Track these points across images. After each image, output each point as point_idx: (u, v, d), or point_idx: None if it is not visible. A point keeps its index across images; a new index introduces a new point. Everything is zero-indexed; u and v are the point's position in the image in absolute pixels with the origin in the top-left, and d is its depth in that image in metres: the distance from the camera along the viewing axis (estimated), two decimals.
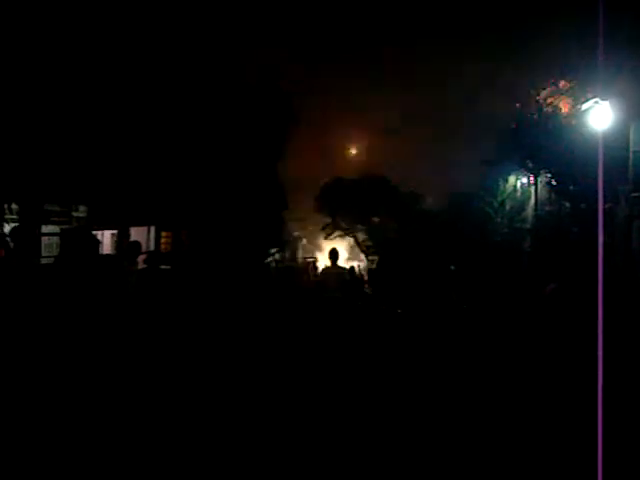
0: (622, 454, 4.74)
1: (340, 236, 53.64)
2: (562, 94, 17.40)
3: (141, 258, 9.62)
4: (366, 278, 29.99)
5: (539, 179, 19.77)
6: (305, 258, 55.19)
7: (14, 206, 13.03)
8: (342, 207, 51.33)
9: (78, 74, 12.68)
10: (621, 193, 14.98)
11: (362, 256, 52.88)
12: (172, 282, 12.87)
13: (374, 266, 36.19)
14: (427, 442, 5.46)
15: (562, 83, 17.55)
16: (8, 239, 7.38)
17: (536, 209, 20.00)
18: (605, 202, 14.22)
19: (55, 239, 13.85)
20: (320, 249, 64.10)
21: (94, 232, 13.84)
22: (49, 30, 11.93)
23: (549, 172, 18.61)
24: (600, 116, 12.71)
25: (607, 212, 14.51)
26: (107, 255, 15.80)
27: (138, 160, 15.29)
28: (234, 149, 20.95)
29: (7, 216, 12.97)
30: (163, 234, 20.02)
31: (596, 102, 13.22)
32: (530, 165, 19.91)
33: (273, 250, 29.30)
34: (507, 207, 22.24)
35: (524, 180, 21.97)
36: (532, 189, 20.51)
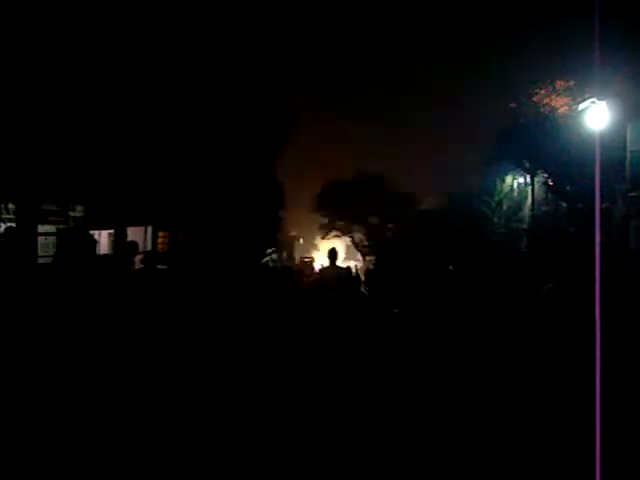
0: (620, 452, 4.75)
1: (337, 236, 53.70)
2: (559, 94, 17.43)
3: (138, 258, 9.61)
4: (363, 278, 29.98)
5: (536, 179, 19.80)
6: (302, 258, 55.24)
7: (11, 206, 13.00)
8: (339, 207, 51.40)
9: (75, 74, 12.66)
10: (618, 193, 15.01)
11: (359, 256, 52.94)
12: (169, 282, 12.85)
13: (371, 266, 36.23)
14: (426, 441, 5.46)
15: (559, 83, 17.58)
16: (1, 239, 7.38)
17: (533, 209, 20.03)
18: (602, 202, 14.24)
19: (52, 239, 13.83)
20: (317, 249, 64.16)
21: (91, 232, 13.84)
22: (48, 30, 11.90)
23: (546, 172, 18.64)
24: (597, 116, 12.73)
25: (604, 212, 14.53)
26: (104, 255, 15.78)
27: (135, 160, 15.26)
28: (231, 149, 20.93)
29: (4, 216, 12.94)
30: (160, 234, 20.01)
31: (593, 102, 13.24)
32: (527, 165, 19.94)
33: (270, 250, 29.32)
34: (504, 207, 22.26)
35: (521, 180, 21.99)
36: (529, 189, 20.54)
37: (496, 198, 22.40)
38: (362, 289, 18.51)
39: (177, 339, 9.42)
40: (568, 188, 17.16)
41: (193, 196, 18.90)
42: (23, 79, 11.62)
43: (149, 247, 18.87)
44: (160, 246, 19.93)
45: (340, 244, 44.37)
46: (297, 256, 59.27)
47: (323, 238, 55.60)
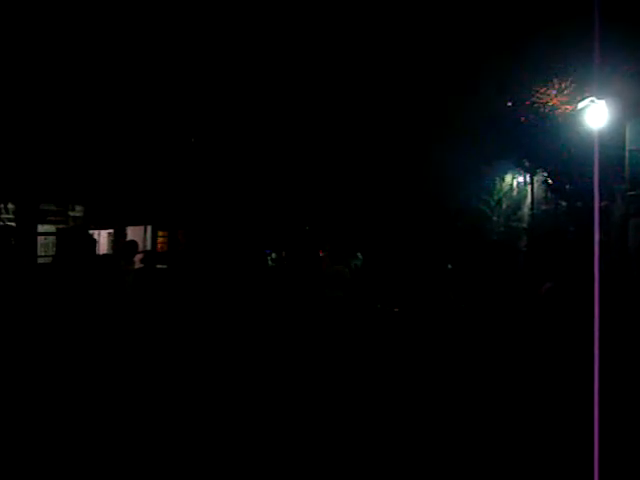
0: (619, 452, 4.76)
1: None
2: (559, 93, 17.41)
3: (138, 257, 9.62)
4: (362, 277, 29.92)
5: (535, 178, 19.79)
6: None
7: (10, 205, 13.01)
8: None
9: (75, 74, 12.65)
10: (617, 192, 15.01)
11: (359, 255, 52.89)
12: (168, 281, 12.86)
13: (370, 265, 36.14)
14: (426, 441, 5.47)
15: (558, 82, 17.56)
16: None
17: (533, 208, 20.03)
18: (601, 200, 14.24)
19: (52, 239, 13.84)
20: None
21: (90, 232, 13.86)
22: (48, 30, 11.90)
23: (545, 171, 18.62)
24: (596, 115, 12.73)
25: (603, 210, 14.53)
26: (104, 255, 15.79)
27: (134, 160, 15.26)
28: (230, 149, 20.92)
29: (3, 215, 12.94)
30: (159, 233, 20.01)
31: (592, 101, 13.24)
32: (527, 164, 19.92)
33: (269, 250, 29.25)
34: (504, 206, 22.24)
35: (520, 179, 21.99)
36: (528, 188, 20.54)
37: (495, 197, 22.39)
38: (362, 288, 18.50)
39: (177, 338, 9.42)
40: (568, 187, 17.15)
41: (192, 196, 18.90)
42: (23, 80, 11.62)
43: (149, 247, 18.87)
44: (160, 245, 19.93)
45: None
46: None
47: None
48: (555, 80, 17.39)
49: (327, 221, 24.36)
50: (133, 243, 9.43)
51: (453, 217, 23.25)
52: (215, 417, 6.01)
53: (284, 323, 12.22)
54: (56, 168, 12.54)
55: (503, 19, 17.28)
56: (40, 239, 13.56)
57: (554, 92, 17.35)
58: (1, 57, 11.25)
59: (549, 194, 19.13)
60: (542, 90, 17.89)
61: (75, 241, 10.67)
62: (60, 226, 14.63)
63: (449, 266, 20.71)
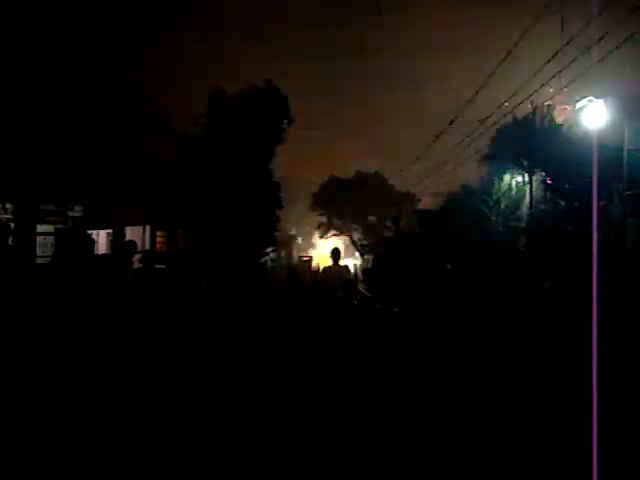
0: (617, 450, 4.77)
1: (335, 235, 53.74)
2: (557, 93, 17.44)
3: (137, 257, 9.62)
4: (361, 277, 29.98)
5: (534, 177, 19.80)
6: (300, 257, 55.27)
7: (9, 205, 12.99)
8: (338, 206, 51.42)
9: (74, 74, 12.65)
10: (615, 191, 15.02)
11: (357, 255, 52.94)
12: (167, 281, 12.86)
13: (370, 265, 36.22)
14: (425, 440, 5.48)
15: (557, 81, 17.59)
16: None
17: (531, 207, 20.04)
18: (599, 200, 14.26)
19: (50, 239, 13.83)
20: (314, 247, 64.17)
21: (89, 232, 13.85)
22: (47, 29, 11.89)
23: (544, 170, 18.65)
24: (594, 115, 12.77)
25: (601, 210, 14.56)
26: (103, 255, 15.79)
27: (133, 160, 15.27)
28: (228, 149, 20.93)
29: (1, 216, 12.93)
30: (158, 233, 20.01)
31: (590, 101, 13.27)
32: (525, 163, 19.95)
33: (269, 249, 29.31)
34: (502, 206, 22.24)
35: (519, 179, 21.99)
36: (527, 187, 20.54)
37: (494, 197, 22.39)
38: (361, 288, 18.51)
39: (176, 338, 9.43)
40: (566, 186, 17.17)
41: (191, 196, 18.92)
42: (22, 80, 11.62)
43: (147, 247, 18.87)
44: (158, 245, 19.93)
45: (338, 243, 44.41)
46: (296, 255, 59.31)
47: (321, 237, 55.67)
48: (554, 80, 17.41)
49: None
50: (132, 243, 9.43)
51: (452, 217, 23.29)
52: (215, 415, 6.02)
53: (283, 322, 12.25)
54: (55, 168, 12.53)
55: (502, 17, 17.30)
56: (39, 239, 13.55)
57: (553, 92, 17.38)
58: (1, 58, 11.25)
59: (548, 194, 19.14)
60: (541, 90, 17.92)
61: (74, 241, 10.67)
62: (59, 226, 14.61)
63: (448, 266, 20.75)
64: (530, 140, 18.41)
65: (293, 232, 64.10)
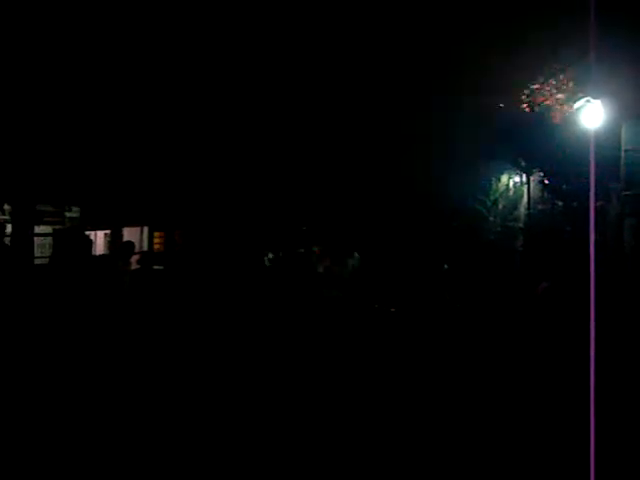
0: (614, 451, 4.77)
1: None
2: (555, 93, 17.45)
3: (134, 258, 9.62)
4: (359, 277, 29.89)
5: (532, 178, 19.81)
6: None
7: (7, 207, 12.98)
8: None
9: (71, 75, 12.63)
10: (613, 191, 15.03)
11: (355, 254, 52.91)
12: (165, 282, 12.84)
13: (367, 264, 36.14)
14: (425, 441, 5.48)
15: (555, 81, 17.60)
16: None
17: (529, 208, 20.04)
18: (597, 200, 14.27)
19: (48, 239, 13.82)
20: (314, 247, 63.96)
21: (87, 232, 13.83)
22: (45, 30, 11.88)
23: (542, 171, 18.66)
24: (592, 115, 12.75)
25: (599, 210, 14.57)
26: (101, 256, 15.77)
27: (131, 160, 15.24)
28: (227, 148, 20.90)
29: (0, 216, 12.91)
30: (156, 234, 19.98)
31: (588, 101, 13.27)
32: (523, 164, 19.95)
33: (267, 249, 29.22)
34: (500, 206, 22.25)
35: (517, 179, 22.00)
36: (525, 188, 20.55)
37: (492, 197, 22.39)
38: (359, 288, 18.49)
39: (174, 339, 9.42)
40: (564, 187, 17.18)
41: (189, 196, 18.89)
42: (19, 80, 11.60)
43: (145, 247, 18.85)
44: (156, 246, 19.91)
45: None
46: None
47: None
48: (551, 80, 17.43)
49: (324, 221, 24.36)
50: (130, 244, 9.43)
51: (449, 217, 23.27)
52: (213, 417, 6.01)
53: (281, 323, 12.23)
54: (52, 169, 12.52)
55: (498, 18, 17.31)
56: (37, 240, 13.53)
57: (550, 92, 17.40)
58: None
59: (545, 194, 19.15)
60: (538, 90, 17.94)
61: (71, 242, 10.66)
62: (57, 227, 14.60)
63: (445, 266, 20.72)
64: (528, 140, 18.42)
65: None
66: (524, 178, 20.68)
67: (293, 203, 23.31)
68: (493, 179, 22.67)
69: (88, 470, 4.62)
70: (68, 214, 15.82)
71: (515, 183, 22.27)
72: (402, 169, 23.00)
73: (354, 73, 20.01)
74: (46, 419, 5.62)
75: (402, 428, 5.74)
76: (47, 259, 12.45)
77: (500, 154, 20.84)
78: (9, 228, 11.58)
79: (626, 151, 14.74)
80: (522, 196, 21.07)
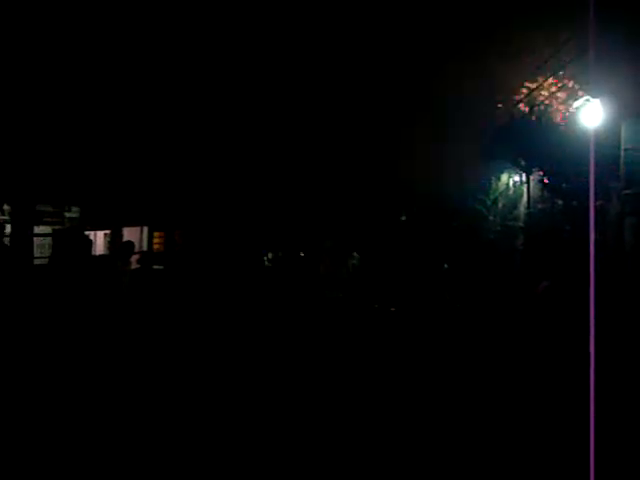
0: (614, 450, 4.77)
1: None
2: (554, 92, 17.44)
3: (134, 258, 9.61)
4: (358, 276, 29.91)
5: (531, 177, 19.81)
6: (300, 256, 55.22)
7: (6, 206, 12.98)
8: None
9: (71, 75, 12.63)
10: (613, 190, 15.02)
11: (355, 254, 52.95)
12: (165, 282, 12.84)
13: (367, 264, 36.16)
14: (425, 440, 5.47)
15: (554, 81, 17.60)
16: None
17: (529, 207, 20.04)
18: (597, 199, 14.26)
19: (48, 240, 13.83)
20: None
21: (87, 232, 13.83)
22: (46, 31, 11.87)
23: (541, 170, 18.66)
24: (591, 114, 12.74)
25: (599, 209, 14.57)
26: (101, 256, 15.77)
27: (131, 160, 15.24)
28: (226, 148, 20.89)
29: None
30: (156, 234, 19.99)
31: (587, 100, 13.26)
32: (522, 163, 19.95)
33: (266, 249, 29.24)
34: (500, 205, 22.25)
35: (517, 178, 22.00)
36: (525, 187, 20.54)
37: (492, 196, 22.40)
38: (359, 287, 18.48)
39: (174, 339, 9.41)
40: (564, 186, 17.18)
41: (189, 196, 18.88)
42: (19, 80, 11.59)
43: (145, 247, 18.85)
44: (156, 246, 19.91)
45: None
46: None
47: None
48: (551, 78, 17.43)
49: (323, 221, 24.33)
50: (130, 244, 9.43)
51: (449, 217, 23.28)
52: (213, 416, 6.01)
53: (281, 323, 12.23)
54: (52, 169, 12.51)
55: (498, 18, 17.30)
56: (37, 240, 13.54)
57: (549, 90, 17.40)
58: None
59: (545, 193, 19.15)
60: (537, 89, 17.93)
61: (71, 242, 10.66)
62: (56, 227, 14.61)
63: (445, 266, 20.72)
64: (528, 139, 18.41)
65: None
66: (524, 177, 20.68)
67: (293, 203, 23.30)
68: (493, 178, 22.67)
69: (88, 469, 4.61)
70: (68, 214, 15.82)
71: (515, 182, 22.27)
72: (401, 168, 22.98)
73: (353, 74, 20.02)
74: (46, 419, 5.62)
75: (401, 426, 5.74)
76: (47, 259, 12.45)
77: (500, 153, 20.83)
78: (9, 228, 11.57)
79: (626, 150, 14.73)
80: (522, 195, 21.07)
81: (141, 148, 15.61)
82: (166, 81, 15.97)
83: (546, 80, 17.64)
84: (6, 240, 10.64)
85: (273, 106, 21.48)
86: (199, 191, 19.31)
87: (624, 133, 14.94)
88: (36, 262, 12.62)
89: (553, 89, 17.37)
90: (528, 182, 20.01)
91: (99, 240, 17.66)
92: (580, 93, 15.17)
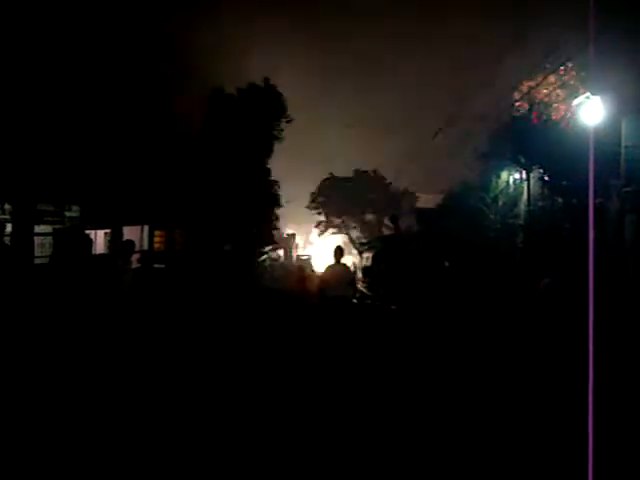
0: (613, 449, 4.78)
1: (333, 233, 53.75)
2: (554, 89, 17.46)
3: (135, 257, 9.61)
4: (360, 275, 29.99)
5: (531, 175, 19.83)
6: (299, 256, 55.27)
7: (7, 206, 12.99)
8: (336, 204, 51.44)
9: (72, 76, 12.64)
10: (613, 188, 15.04)
11: (355, 253, 52.97)
12: (166, 281, 12.85)
13: (368, 263, 36.22)
14: (425, 438, 5.48)
15: (554, 78, 17.61)
16: None
17: (529, 205, 20.06)
18: (597, 197, 14.28)
19: (48, 239, 13.85)
20: (314, 246, 64.14)
21: (87, 231, 13.85)
22: (47, 31, 11.88)
23: (542, 168, 18.67)
24: (591, 111, 12.76)
25: (599, 207, 14.58)
26: (101, 255, 15.79)
27: (131, 160, 15.26)
28: (226, 148, 20.92)
29: (0, 216, 12.93)
30: (156, 233, 20.01)
31: (587, 97, 13.26)
32: (522, 161, 19.97)
33: (268, 248, 29.31)
34: (500, 203, 22.27)
35: (517, 176, 22.03)
36: (525, 185, 20.57)
37: (492, 194, 22.42)
38: (360, 286, 18.48)
39: (175, 337, 9.43)
40: (563, 183, 17.18)
41: (189, 195, 18.90)
42: (20, 81, 11.60)
43: (146, 246, 18.87)
44: (157, 245, 19.94)
45: (337, 241, 44.41)
46: (294, 254, 59.32)
47: (320, 235, 55.71)
48: (551, 76, 17.44)
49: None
50: (130, 243, 9.42)
51: (448, 216, 23.32)
52: (213, 414, 6.02)
53: (283, 321, 12.25)
54: (52, 169, 12.52)
55: (500, 13, 17.31)
56: (37, 239, 13.55)
57: (549, 88, 17.41)
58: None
59: (545, 191, 19.17)
60: (537, 85, 17.94)
61: (72, 241, 10.67)
62: (57, 226, 14.62)
63: (446, 264, 20.74)
64: (527, 137, 18.43)
65: (291, 231, 64.11)
66: (524, 175, 20.70)
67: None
68: (493, 176, 22.70)
69: (88, 468, 4.63)
70: (68, 213, 15.84)
71: (515, 180, 22.29)
72: None
73: None
74: (46, 418, 5.64)
75: (401, 423, 5.75)
76: (47, 258, 12.47)
77: (500, 151, 20.86)
78: (9, 228, 11.59)
79: (626, 147, 14.75)
80: (522, 193, 21.09)
81: (141, 148, 15.64)
82: (164, 83, 16.00)
83: (546, 78, 17.66)
84: (7, 239, 10.65)
85: None
86: (200, 190, 19.35)
87: (624, 130, 14.96)
88: (37, 261, 12.64)
89: (553, 87, 17.39)
90: (528, 180, 20.02)
91: (99, 239, 17.67)
92: (580, 90, 15.18)
